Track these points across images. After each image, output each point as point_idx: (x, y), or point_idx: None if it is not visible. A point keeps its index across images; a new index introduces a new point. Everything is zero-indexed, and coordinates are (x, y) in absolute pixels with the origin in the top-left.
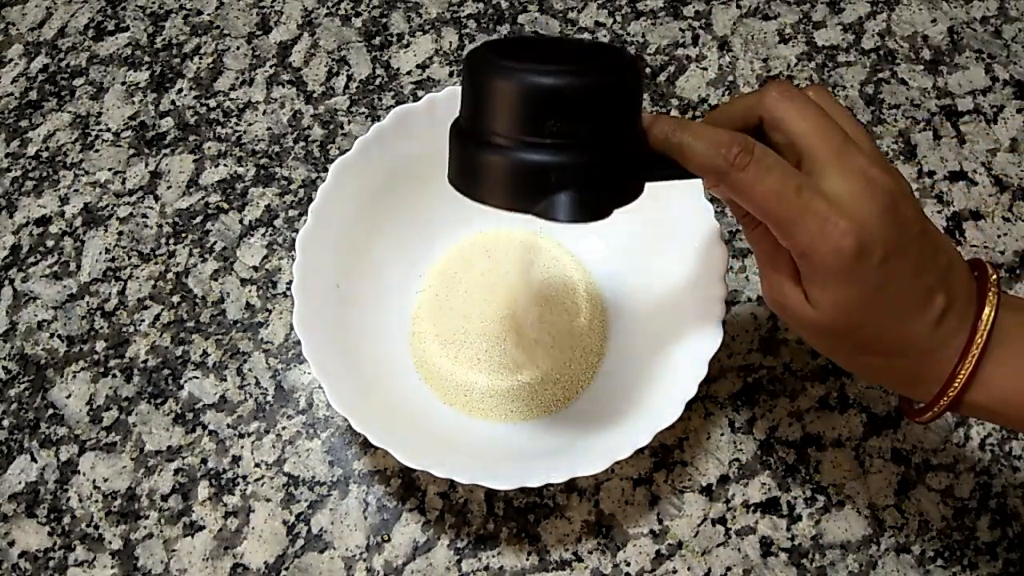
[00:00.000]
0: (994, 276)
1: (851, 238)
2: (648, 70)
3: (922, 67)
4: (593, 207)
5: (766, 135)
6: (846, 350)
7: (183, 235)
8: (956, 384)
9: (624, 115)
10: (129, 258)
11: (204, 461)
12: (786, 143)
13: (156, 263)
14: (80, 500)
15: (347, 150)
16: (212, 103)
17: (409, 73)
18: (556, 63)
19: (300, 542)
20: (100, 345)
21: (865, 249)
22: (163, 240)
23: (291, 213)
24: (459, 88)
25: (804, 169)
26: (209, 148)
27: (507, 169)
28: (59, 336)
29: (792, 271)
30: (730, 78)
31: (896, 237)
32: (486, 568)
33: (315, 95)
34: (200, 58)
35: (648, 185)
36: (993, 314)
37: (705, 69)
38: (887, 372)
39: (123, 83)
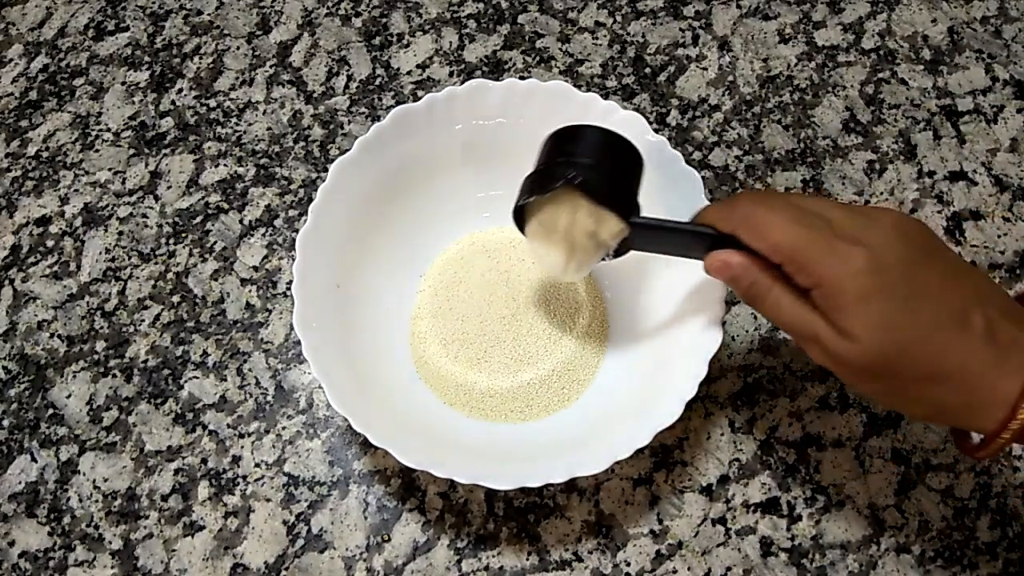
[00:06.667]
0: None
1: (863, 257)
2: (648, 70)
3: (922, 67)
4: (592, 185)
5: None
6: (894, 383)
7: (183, 235)
8: (1021, 417)
9: (625, 169)
10: (129, 258)
11: (204, 461)
12: (773, 255)
13: (156, 263)
14: (80, 500)
15: (347, 150)
16: (212, 103)
17: (409, 73)
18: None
19: (300, 542)
20: (100, 345)
21: (880, 263)
22: (163, 240)
23: (291, 213)
24: (458, 88)
25: (799, 277)
26: (209, 148)
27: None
28: (59, 336)
29: (820, 318)
30: (730, 78)
31: (911, 251)
32: (486, 568)
33: (315, 95)
34: (200, 58)
35: (648, 186)
36: None
37: (705, 69)
38: (941, 401)
39: (123, 83)
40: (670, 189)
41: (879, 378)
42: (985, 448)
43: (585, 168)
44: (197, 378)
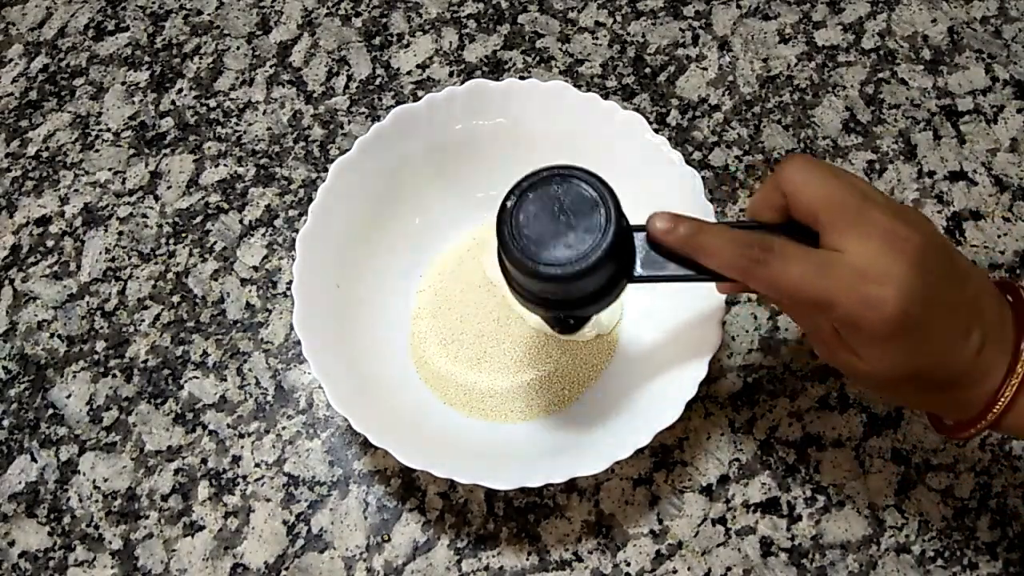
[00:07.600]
0: None
1: (893, 304)
2: (648, 70)
3: (922, 67)
4: (578, 327)
5: (790, 210)
6: (902, 393)
7: (183, 235)
8: (996, 409)
9: (610, 273)
10: (129, 258)
11: (204, 461)
12: (807, 214)
13: (156, 263)
14: (80, 500)
15: (347, 150)
16: (212, 103)
17: (409, 73)
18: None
19: (300, 542)
20: (100, 345)
21: (909, 311)
22: (163, 240)
23: (291, 213)
24: (458, 88)
25: (826, 236)
26: (209, 148)
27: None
28: (59, 336)
29: (837, 336)
30: (730, 78)
31: (930, 288)
32: (486, 568)
33: (315, 95)
34: (200, 58)
35: (648, 186)
36: None
37: (705, 69)
38: (938, 403)
39: (123, 83)
40: (670, 189)
41: (885, 386)
42: (957, 434)
43: (578, 304)
44: (197, 378)
